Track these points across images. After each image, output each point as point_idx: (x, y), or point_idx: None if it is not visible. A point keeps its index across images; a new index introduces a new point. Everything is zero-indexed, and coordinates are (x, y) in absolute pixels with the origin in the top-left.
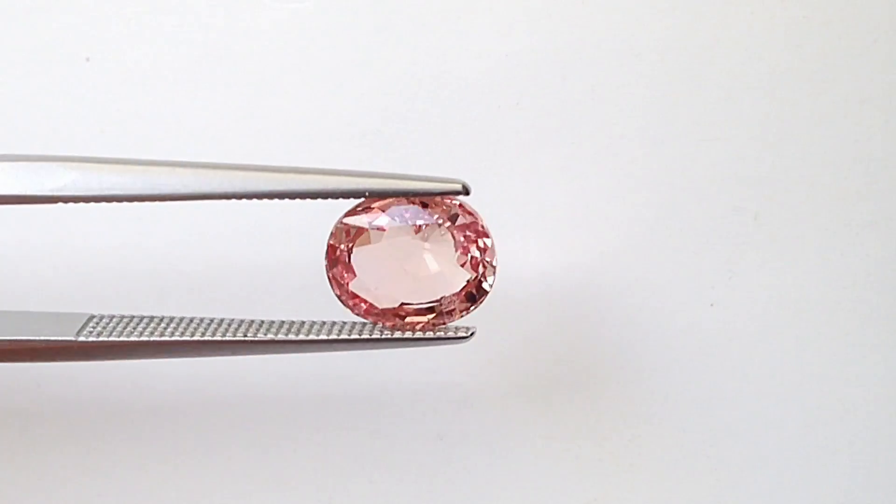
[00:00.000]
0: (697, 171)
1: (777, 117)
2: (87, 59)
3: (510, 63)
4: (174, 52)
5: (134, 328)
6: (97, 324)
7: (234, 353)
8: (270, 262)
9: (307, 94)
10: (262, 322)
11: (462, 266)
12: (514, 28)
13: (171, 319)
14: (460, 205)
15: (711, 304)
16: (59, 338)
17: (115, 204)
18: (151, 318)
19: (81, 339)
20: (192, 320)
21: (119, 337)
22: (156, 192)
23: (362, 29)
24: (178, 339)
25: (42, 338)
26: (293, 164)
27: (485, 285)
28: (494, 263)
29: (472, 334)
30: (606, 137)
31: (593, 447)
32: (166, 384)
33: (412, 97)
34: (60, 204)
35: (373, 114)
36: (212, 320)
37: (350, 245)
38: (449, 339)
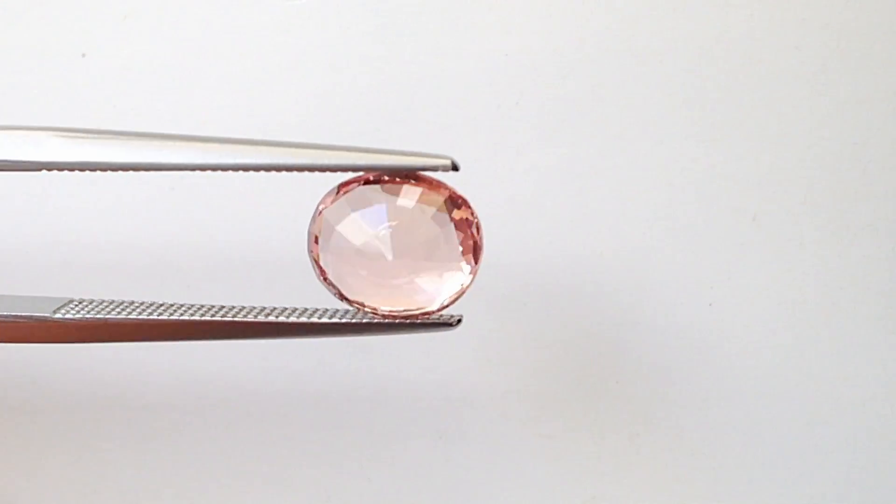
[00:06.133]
0: (696, 171)
1: (775, 119)
2: (83, 55)
3: (510, 63)
4: (171, 49)
5: (112, 309)
6: (76, 305)
7: (212, 337)
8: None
9: (305, 92)
10: (244, 307)
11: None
12: (513, 28)
13: (151, 304)
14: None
15: (710, 304)
16: (36, 314)
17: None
18: (132, 303)
19: (58, 316)
20: (171, 305)
21: (97, 315)
22: (141, 161)
23: (361, 27)
24: (154, 318)
25: (17, 313)
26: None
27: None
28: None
29: (458, 321)
30: (605, 138)
31: (592, 446)
32: (164, 383)
33: (411, 96)
34: (44, 172)
35: (371, 112)
36: (192, 305)
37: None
38: (434, 324)
